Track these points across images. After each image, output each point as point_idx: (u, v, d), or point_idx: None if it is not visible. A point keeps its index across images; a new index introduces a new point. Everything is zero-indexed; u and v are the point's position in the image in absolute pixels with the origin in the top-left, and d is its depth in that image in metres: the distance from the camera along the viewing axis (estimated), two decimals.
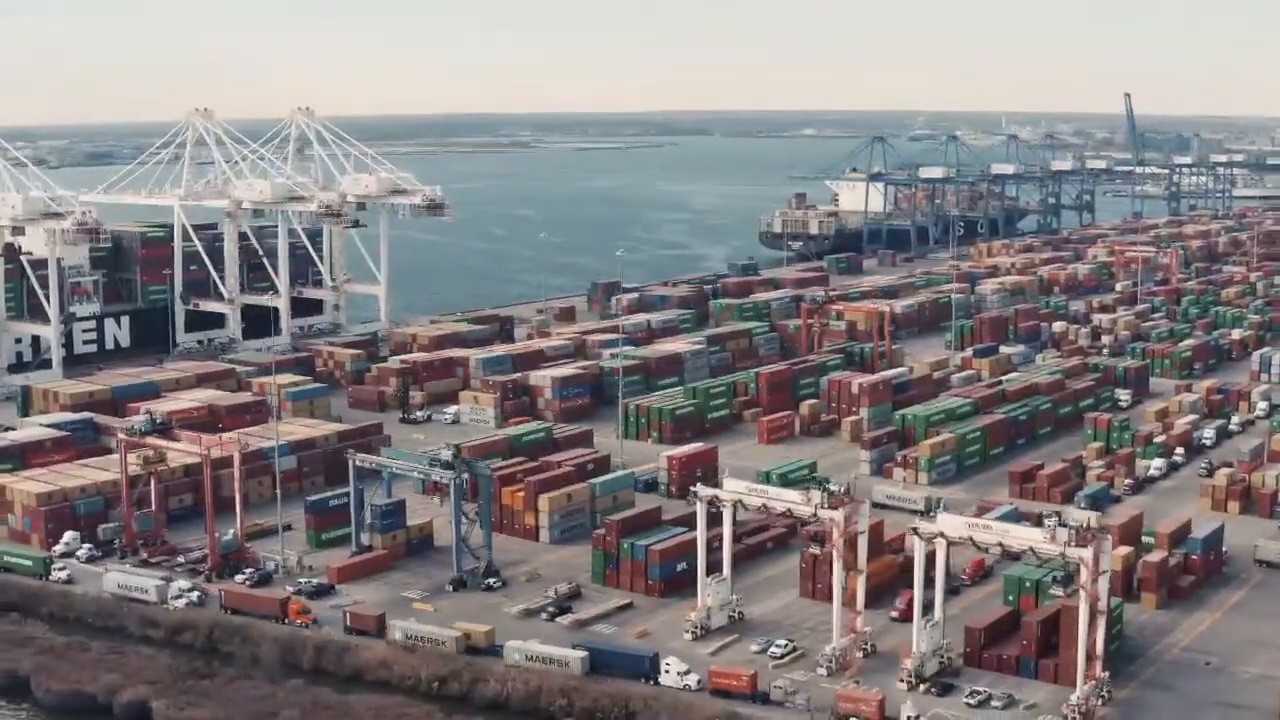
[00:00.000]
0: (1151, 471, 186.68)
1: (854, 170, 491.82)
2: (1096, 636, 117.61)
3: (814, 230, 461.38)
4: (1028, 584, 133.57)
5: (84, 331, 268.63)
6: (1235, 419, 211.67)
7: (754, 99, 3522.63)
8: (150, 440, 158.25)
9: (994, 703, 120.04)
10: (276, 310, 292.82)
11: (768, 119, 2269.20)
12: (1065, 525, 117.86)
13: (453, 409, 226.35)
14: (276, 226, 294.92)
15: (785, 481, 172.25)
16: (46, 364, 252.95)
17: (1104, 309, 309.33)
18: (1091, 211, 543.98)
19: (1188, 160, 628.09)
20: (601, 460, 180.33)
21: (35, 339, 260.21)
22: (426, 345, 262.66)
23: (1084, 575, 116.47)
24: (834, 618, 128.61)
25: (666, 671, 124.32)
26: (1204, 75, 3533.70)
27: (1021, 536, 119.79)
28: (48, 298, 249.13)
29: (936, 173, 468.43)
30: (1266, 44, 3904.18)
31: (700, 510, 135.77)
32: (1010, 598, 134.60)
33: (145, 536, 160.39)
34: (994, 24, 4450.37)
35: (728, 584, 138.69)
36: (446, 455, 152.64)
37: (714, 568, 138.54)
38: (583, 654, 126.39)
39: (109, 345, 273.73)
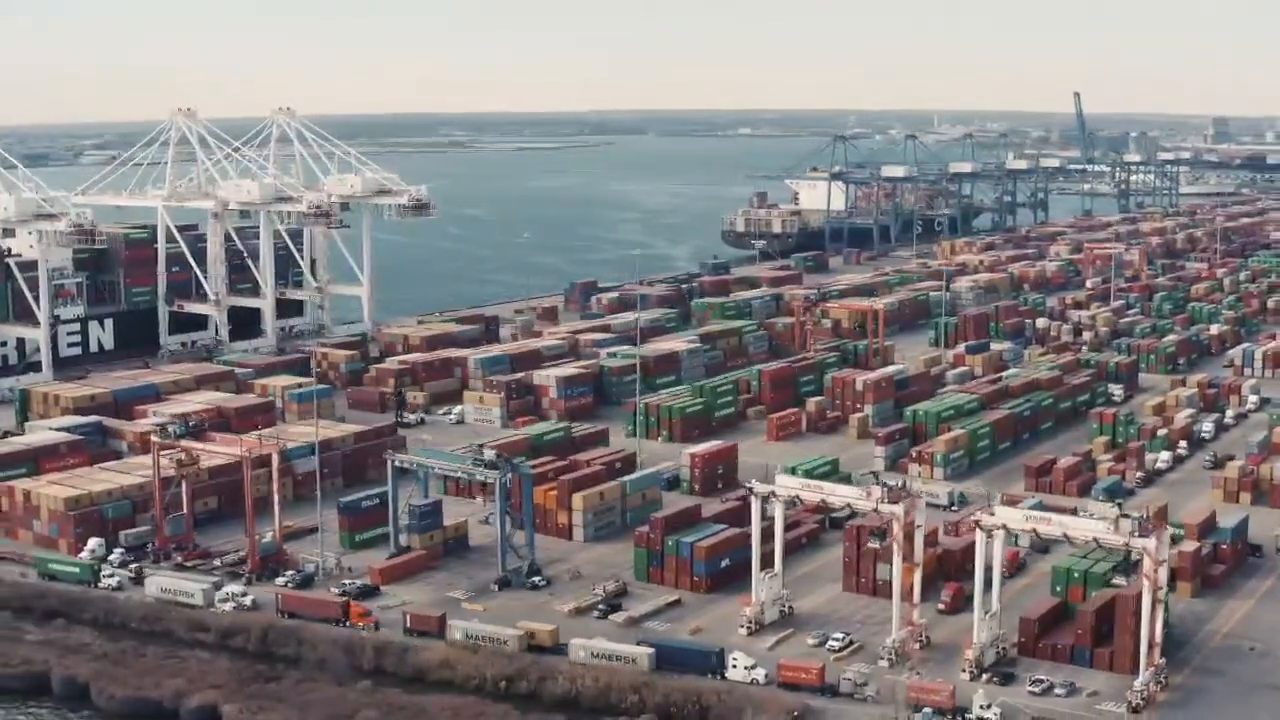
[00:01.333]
0: (1158, 465, 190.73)
1: (814, 169, 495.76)
2: (1157, 624, 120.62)
3: (777, 229, 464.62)
4: (1076, 575, 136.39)
5: (69, 334, 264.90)
6: (1230, 412, 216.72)
7: (687, 98, 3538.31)
8: (185, 443, 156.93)
9: (1056, 691, 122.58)
10: (258, 312, 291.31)
11: (702, 118, 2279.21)
12: (1128, 516, 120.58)
13: (457, 409, 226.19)
14: (256, 227, 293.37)
15: (810, 477, 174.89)
16: (33, 367, 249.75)
17: (1077, 305, 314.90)
18: (1045, 209, 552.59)
19: (1137, 158, 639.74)
20: (628, 459, 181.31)
21: (21, 342, 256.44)
22: (419, 346, 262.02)
23: (1147, 564, 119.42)
24: (894, 610, 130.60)
25: (734, 666, 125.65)
26: (1134, 75, 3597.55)
27: (1086, 528, 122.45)
28: (36, 300, 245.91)
29: (899, 171, 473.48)
30: (1192, 44, 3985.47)
31: (755, 506, 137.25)
32: (1058, 589, 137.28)
33: (177, 540, 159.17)
34: (923, 24, 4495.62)
35: (779, 579, 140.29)
36: (489, 455, 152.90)
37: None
38: (649, 650, 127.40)
39: (93, 348, 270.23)
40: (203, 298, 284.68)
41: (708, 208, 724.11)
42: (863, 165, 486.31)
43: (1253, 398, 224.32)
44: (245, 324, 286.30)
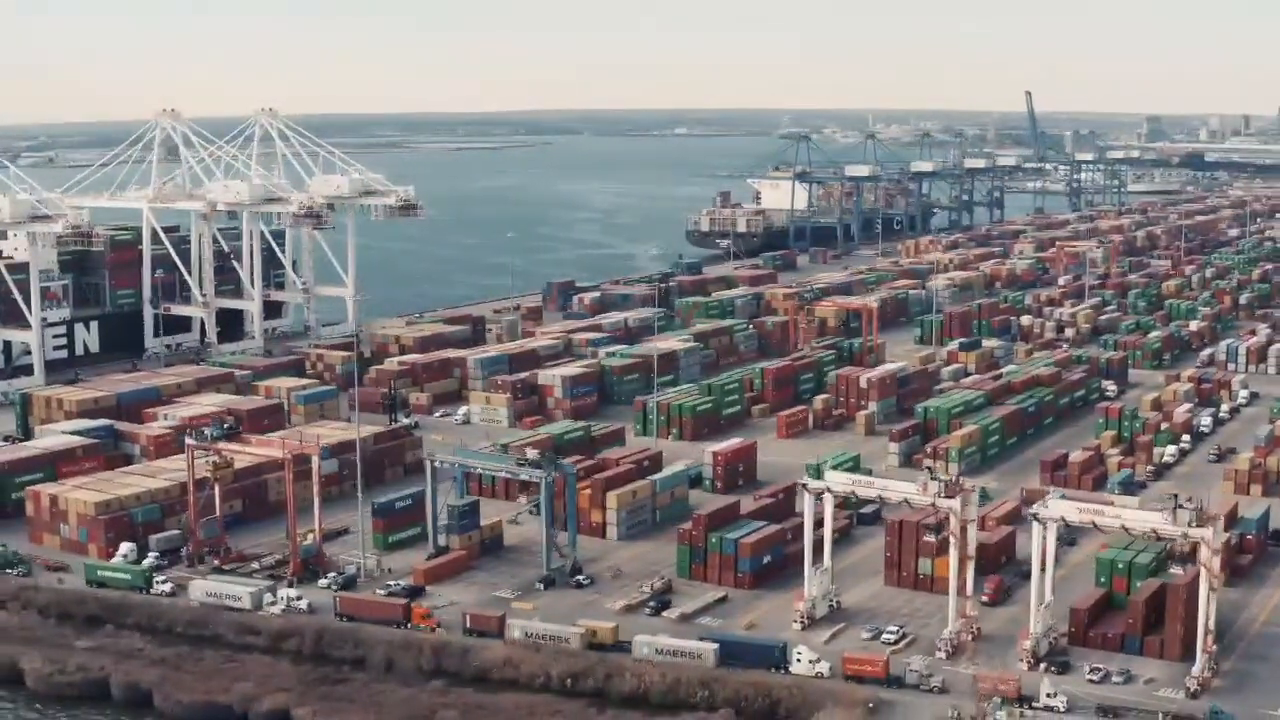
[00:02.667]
0: (1165, 458, 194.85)
1: (776, 169, 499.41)
2: (1212, 611, 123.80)
3: (742, 228, 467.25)
4: (1120, 566, 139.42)
5: (54, 337, 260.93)
6: (1224, 406, 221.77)
7: (619, 98, 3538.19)
8: (222, 445, 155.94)
9: (1114, 679, 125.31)
10: (241, 313, 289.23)
11: (635, 118, 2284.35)
12: (1183, 507, 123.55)
13: (462, 409, 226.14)
14: (234, 228, 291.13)
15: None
16: (21, 370, 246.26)
17: (1051, 303, 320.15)
18: (1001, 208, 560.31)
19: (1089, 157, 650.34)
20: (654, 457, 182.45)
21: (7, 345, 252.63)
22: (411, 346, 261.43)
23: (1204, 553, 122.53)
24: (950, 603, 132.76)
25: (798, 660, 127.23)
26: (1067, 73, 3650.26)
27: (1143, 519, 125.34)
28: (24, 302, 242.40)
29: (863, 170, 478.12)
30: (1124, 43, 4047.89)
31: (808, 502, 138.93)
32: (1102, 579, 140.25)
33: (210, 544, 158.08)
34: (855, 24, 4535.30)
35: (829, 574, 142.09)
36: (532, 454, 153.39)
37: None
38: (714, 646, 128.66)
39: (79, 350, 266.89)
40: (186, 299, 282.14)
41: (660, 207, 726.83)
42: (833, 164, 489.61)
43: (1243, 392, 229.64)
44: (227, 325, 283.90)
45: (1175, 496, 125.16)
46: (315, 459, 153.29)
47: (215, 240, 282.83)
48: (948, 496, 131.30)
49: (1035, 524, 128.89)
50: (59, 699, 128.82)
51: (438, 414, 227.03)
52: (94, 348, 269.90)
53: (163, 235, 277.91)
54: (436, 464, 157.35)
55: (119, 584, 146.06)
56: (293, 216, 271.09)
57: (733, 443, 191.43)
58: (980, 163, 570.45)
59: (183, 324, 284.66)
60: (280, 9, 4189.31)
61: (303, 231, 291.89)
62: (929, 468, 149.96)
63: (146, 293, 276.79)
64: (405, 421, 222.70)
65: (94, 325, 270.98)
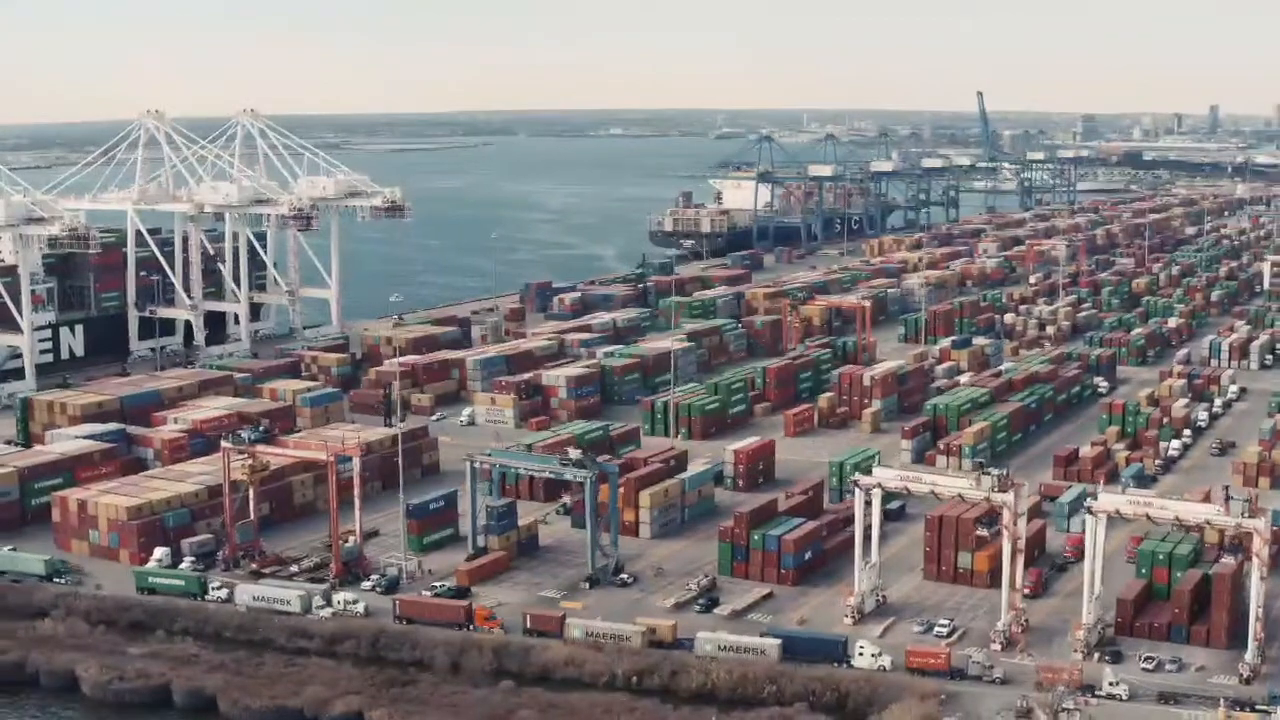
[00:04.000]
0: (1170, 452, 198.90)
1: (738, 169, 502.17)
2: (1263, 600, 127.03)
3: (706, 229, 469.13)
4: (1160, 557, 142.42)
5: (39, 341, 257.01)
6: (1217, 401, 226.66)
7: (555, 99, 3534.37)
8: (260, 448, 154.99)
9: (1167, 667, 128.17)
10: (222, 316, 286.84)
11: (571, 118, 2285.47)
12: (1236, 499, 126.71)
13: (466, 410, 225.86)
14: (213, 230, 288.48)
15: (850, 470, 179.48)
16: (9, 375, 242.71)
17: (1024, 301, 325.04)
18: (957, 207, 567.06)
19: (1040, 156, 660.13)
20: (681, 456, 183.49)
21: None
22: (405, 347, 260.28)
23: (1257, 543, 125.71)
24: (1003, 596, 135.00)
25: (860, 654, 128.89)
26: (1001, 73, 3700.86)
27: (1196, 511, 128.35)
28: (14, 305, 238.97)
29: (825, 170, 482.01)
30: (1058, 43, 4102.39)
31: (859, 498, 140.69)
32: (1143, 570, 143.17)
33: (245, 548, 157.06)
34: (786, 24, 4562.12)
35: (877, 569, 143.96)
36: (575, 454, 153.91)
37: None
38: (777, 641, 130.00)
39: (64, 354, 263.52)
40: (170, 302, 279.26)
41: (614, 208, 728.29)
42: (796, 164, 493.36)
43: (1232, 387, 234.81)
44: (210, 328, 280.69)
45: (1227, 489, 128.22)
46: (356, 460, 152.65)
47: (201, 242, 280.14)
48: (1001, 491, 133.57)
49: (1089, 517, 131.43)
50: (118, 706, 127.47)
51: (435, 416, 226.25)
52: (79, 351, 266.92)
53: (148, 237, 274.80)
54: (476, 464, 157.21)
55: (171, 590, 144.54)
56: (281, 218, 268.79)
57: (752, 441, 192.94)
58: (937, 162, 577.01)
59: (166, 327, 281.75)
60: (216, 10, 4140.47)
61: (287, 233, 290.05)
62: (981, 463, 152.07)
63: (131, 296, 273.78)
64: (399, 426, 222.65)
65: (79, 329, 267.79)
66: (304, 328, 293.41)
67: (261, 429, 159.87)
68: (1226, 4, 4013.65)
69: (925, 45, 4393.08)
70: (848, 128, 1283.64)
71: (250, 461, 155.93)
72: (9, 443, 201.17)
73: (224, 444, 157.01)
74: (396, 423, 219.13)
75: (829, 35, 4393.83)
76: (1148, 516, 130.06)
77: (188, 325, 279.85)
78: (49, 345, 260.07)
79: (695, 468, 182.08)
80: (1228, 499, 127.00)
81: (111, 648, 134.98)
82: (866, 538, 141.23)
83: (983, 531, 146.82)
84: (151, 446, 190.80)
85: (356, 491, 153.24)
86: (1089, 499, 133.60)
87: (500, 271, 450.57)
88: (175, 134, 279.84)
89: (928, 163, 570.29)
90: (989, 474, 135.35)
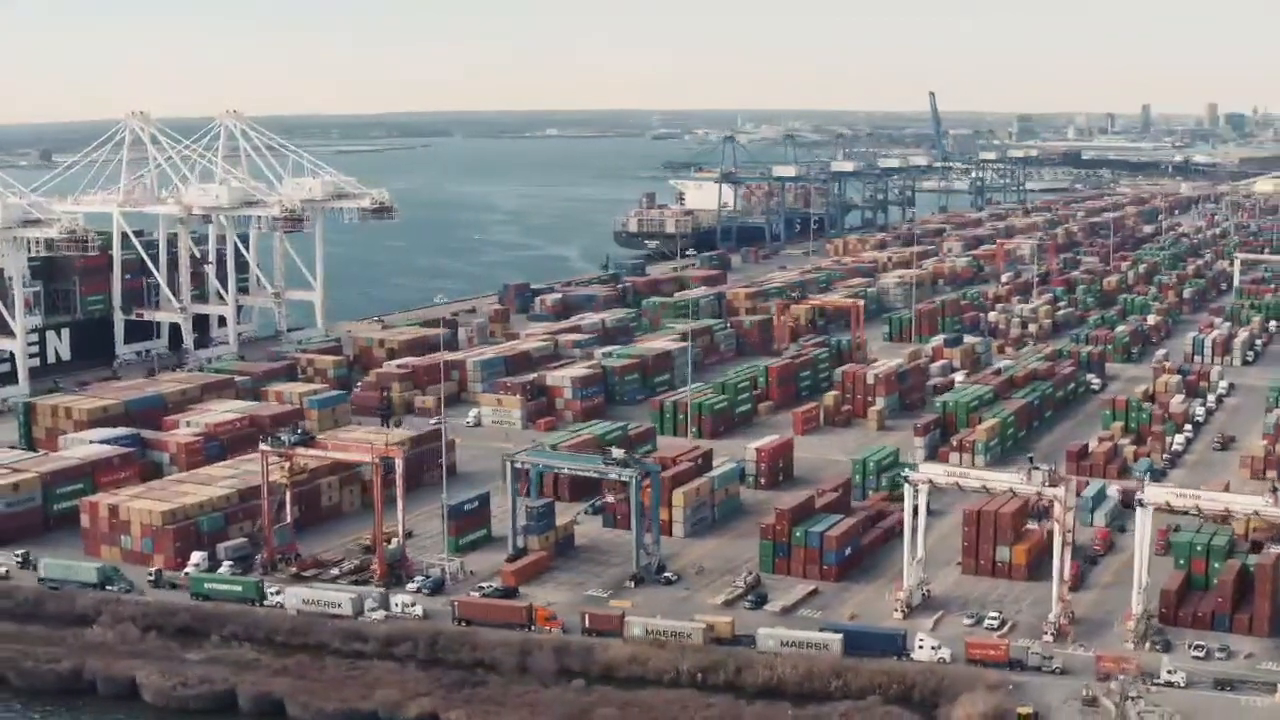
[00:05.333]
0: (1174, 447, 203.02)
1: (700, 169, 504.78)
2: None
3: (670, 229, 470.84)
4: (1199, 548, 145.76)
5: (26, 345, 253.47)
6: (1210, 397, 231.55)
7: (490, 100, 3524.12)
8: (301, 451, 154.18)
9: (1216, 655, 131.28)
10: (205, 318, 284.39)
11: (506, 119, 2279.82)
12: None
13: (473, 412, 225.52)
14: (197, 233, 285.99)
15: (873, 467, 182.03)
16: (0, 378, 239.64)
17: (999, 299, 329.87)
18: (913, 206, 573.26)
19: (992, 156, 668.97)
20: (706, 455, 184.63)
21: None
22: (397, 349, 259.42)
23: None
24: (1054, 588, 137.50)
25: (920, 647, 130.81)
26: (937, 73, 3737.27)
27: (1245, 503, 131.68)
28: (6, 309, 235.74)
29: (790, 171, 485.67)
30: (995, 42, 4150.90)
31: (908, 494, 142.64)
32: (1181, 562, 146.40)
33: (282, 551, 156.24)
34: (721, 24, 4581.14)
35: (923, 563, 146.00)
36: (618, 454, 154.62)
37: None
38: (839, 636, 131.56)
39: (50, 359, 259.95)
40: (155, 305, 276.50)
41: (567, 208, 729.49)
42: (759, 164, 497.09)
43: (1222, 383, 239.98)
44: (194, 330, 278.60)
45: (1275, 480, 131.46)
46: (399, 462, 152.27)
47: (202, 243, 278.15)
48: (1052, 485, 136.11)
49: (1138, 509, 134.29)
50: (181, 713, 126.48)
51: (434, 421, 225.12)
52: (65, 355, 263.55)
53: (135, 240, 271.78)
54: (518, 465, 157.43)
55: (228, 596, 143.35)
56: (273, 220, 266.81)
57: (772, 439, 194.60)
58: (894, 162, 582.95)
59: (150, 330, 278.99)
60: (151, 10, 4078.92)
61: (271, 236, 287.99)
62: (1030, 458, 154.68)
63: (117, 299, 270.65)
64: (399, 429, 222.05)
65: (65, 332, 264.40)
66: (289, 330, 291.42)
67: (300, 431, 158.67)
68: (1157, 7, 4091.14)
69: (860, 45, 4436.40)
70: (784, 128, 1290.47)
71: (287, 464, 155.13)
72: (11, 446, 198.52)
73: (262, 446, 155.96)
74: (392, 425, 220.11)
75: (760, 36, 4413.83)
76: (1198, 509, 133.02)
77: (172, 329, 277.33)
78: (35, 349, 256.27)
79: (727, 466, 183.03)
80: (1275, 490, 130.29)
81: (166, 654, 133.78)
82: (914, 532, 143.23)
83: (1034, 524, 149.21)
84: (167, 451, 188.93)
85: (399, 493, 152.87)
86: (1137, 492, 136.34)
87: (472, 273, 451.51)
88: (160, 135, 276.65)
89: (885, 162, 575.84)
90: (1038, 469, 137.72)
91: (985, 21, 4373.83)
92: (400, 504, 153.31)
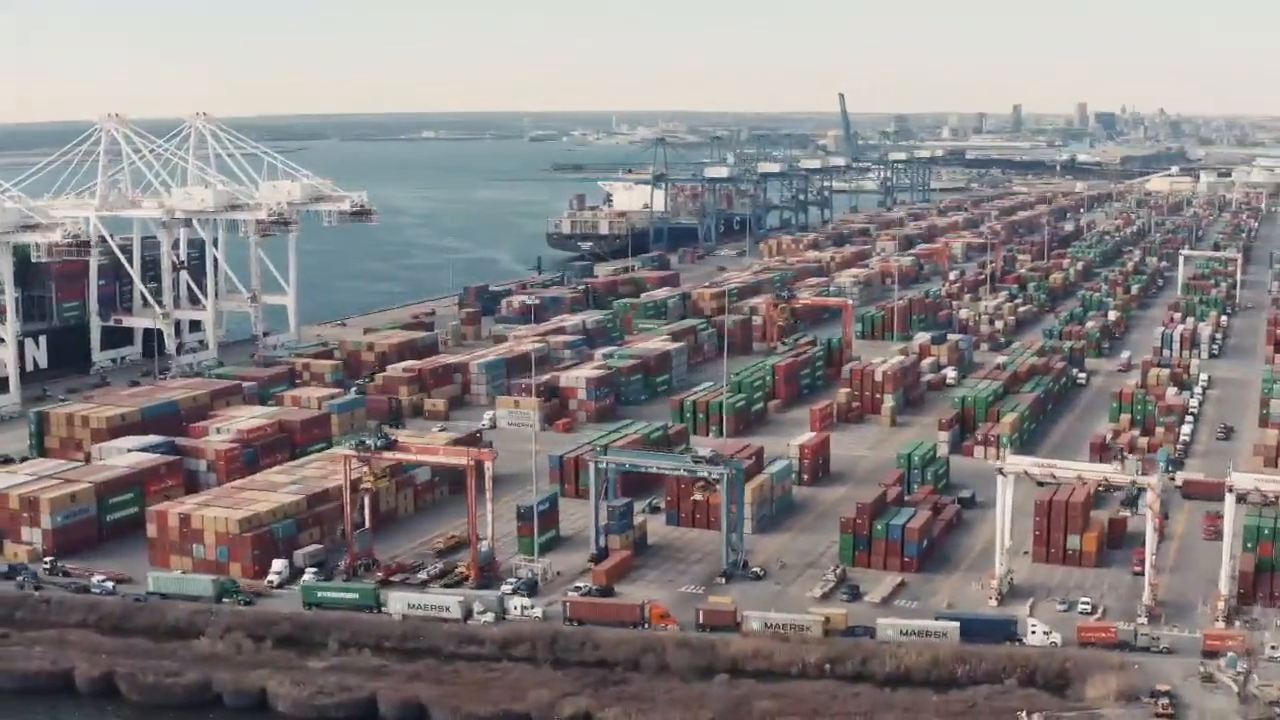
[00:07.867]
0: (1183, 437, 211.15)
1: (629, 171, 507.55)
2: None
3: (604, 230, 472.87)
4: (1266, 532, 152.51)
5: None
6: (1197, 389, 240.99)
7: (362, 103, 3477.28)
8: (388, 454, 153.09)
9: None
10: (177, 323, 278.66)
11: (379, 121, 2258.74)
12: None
13: (488, 414, 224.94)
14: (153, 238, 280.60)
15: (918, 461, 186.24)
16: None
17: (951, 296, 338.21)
18: (830, 207, 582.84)
19: (902, 157, 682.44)
20: (758, 452, 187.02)
21: None
22: (387, 352, 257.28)
23: None
24: (1146, 571, 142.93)
25: (1033, 633, 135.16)
26: (814, 73, 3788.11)
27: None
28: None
29: (722, 172, 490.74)
30: (869, 43, 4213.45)
31: (1000, 485, 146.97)
32: (1249, 545, 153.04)
33: (361, 556, 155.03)
34: (594, 25, 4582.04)
35: (1013, 552, 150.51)
36: (705, 452, 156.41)
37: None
38: (955, 624, 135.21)
39: (28, 366, 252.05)
40: (129, 310, 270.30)
41: (476, 210, 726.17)
42: (690, 165, 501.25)
43: (1203, 376, 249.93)
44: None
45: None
46: (488, 465, 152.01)
47: (167, 248, 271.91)
48: (1144, 474, 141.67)
49: (1229, 495, 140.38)
50: None
51: (437, 427, 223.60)
52: (43, 363, 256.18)
53: (114, 245, 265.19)
54: (601, 465, 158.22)
55: (342, 604, 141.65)
56: (260, 223, 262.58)
57: (811, 436, 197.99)
58: (815, 163, 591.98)
59: (126, 337, 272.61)
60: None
61: (248, 240, 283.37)
62: (1121, 449, 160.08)
63: (93, 305, 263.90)
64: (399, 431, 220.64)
65: (42, 340, 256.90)
66: (264, 334, 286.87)
67: (384, 435, 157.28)
68: (1027, 6, 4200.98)
69: (736, 47, 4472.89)
70: (660, 129, 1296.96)
71: (368, 468, 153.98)
72: (24, 458, 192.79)
73: (345, 450, 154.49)
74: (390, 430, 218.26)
75: (635, 39, 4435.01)
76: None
77: (146, 335, 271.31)
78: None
79: (779, 463, 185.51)
80: (1122, 458, 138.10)
81: (288, 663, 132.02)
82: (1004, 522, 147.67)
83: (1125, 512, 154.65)
84: (204, 458, 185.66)
85: (489, 495, 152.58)
86: (1226, 479, 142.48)
87: (408, 276, 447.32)
88: (135, 136, 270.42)
89: (806, 163, 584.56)
90: (1129, 459, 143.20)
91: (860, 24, 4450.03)
92: (490, 508, 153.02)
